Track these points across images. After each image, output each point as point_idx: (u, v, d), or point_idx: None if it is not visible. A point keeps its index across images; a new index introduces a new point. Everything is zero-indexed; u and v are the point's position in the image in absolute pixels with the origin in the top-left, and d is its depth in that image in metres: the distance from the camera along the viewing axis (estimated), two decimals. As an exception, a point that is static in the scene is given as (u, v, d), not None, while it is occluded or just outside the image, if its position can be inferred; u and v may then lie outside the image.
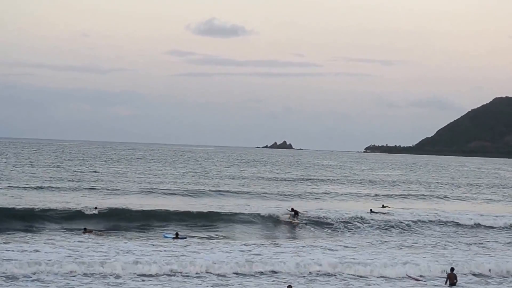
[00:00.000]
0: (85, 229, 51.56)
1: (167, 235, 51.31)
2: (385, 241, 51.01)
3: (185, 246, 44.31)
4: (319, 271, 37.88)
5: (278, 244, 47.40)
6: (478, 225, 62.17)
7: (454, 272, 38.10)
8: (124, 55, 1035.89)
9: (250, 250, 43.97)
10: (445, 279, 37.75)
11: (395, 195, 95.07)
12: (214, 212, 61.28)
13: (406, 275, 39.40)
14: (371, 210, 71.21)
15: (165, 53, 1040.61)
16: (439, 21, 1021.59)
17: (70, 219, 54.49)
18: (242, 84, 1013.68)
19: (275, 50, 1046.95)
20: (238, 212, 62.41)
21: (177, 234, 50.51)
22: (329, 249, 45.17)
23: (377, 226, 58.00)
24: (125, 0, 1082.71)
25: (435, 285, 37.44)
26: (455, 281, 37.46)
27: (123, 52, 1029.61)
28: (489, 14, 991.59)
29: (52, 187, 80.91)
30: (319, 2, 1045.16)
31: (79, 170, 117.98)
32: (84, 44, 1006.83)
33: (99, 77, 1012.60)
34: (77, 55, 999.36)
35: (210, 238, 50.55)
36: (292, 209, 63.06)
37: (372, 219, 61.36)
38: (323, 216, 61.79)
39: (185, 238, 49.79)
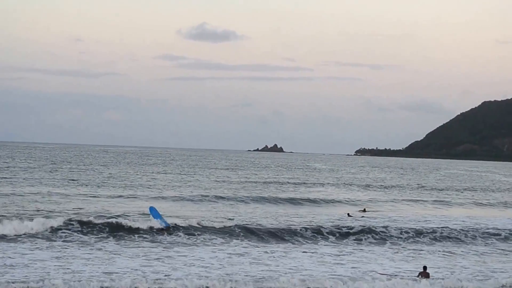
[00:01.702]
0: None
1: (156, 216, 52.71)
2: (359, 248, 50.75)
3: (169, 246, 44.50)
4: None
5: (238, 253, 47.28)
6: (466, 231, 60.78)
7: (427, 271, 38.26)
8: (116, 59, 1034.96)
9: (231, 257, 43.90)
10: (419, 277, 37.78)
11: (381, 199, 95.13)
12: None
13: (376, 273, 39.55)
14: (348, 214, 70.79)
15: (157, 57, 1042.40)
16: (428, 26, 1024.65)
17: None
18: (233, 88, 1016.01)
19: (266, 54, 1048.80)
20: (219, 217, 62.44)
21: (168, 227, 51.82)
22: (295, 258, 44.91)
23: (352, 231, 56.51)
24: (117, 5, 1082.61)
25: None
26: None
27: (115, 57, 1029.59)
28: (477, 19, 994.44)
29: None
30: (309, 7, 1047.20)
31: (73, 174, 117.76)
32: (76, 48, 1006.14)
33: (91, 81, 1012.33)
34: (69, 59, 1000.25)
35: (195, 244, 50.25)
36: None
37: (347, 224, 60.53)
38: (298, 222, 61.87)
39: (169, 225, 51.94)
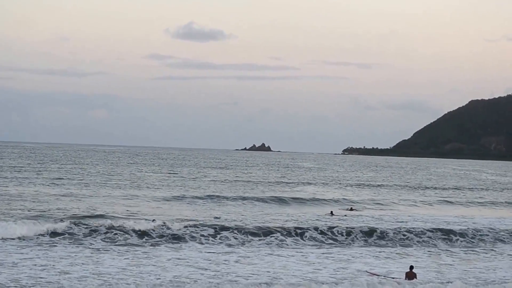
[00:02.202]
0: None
1: None
2: (344, 247, 51.00)
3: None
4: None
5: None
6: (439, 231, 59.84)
7: (414, 270, 38.39)
8: (104, 58, 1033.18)
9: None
10: (404, 277, 37.88)
11: (369, 198, 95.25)
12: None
13: (366, 271, 39.65)
14: (331, 212, 70.58)
15: (144, 56, 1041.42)
16: (415, 24, 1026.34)
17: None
18: (221, 87, 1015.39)
19: (253, 53, 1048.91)
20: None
21: (153, 220, 54.19)
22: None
23: (337, 231, 55.55)
24: (105, 4, 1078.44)
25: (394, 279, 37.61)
26: (414, 279, 37.55)
27: (102, 56, 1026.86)
28: (465, 17, 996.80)
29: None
30: (297, 6, 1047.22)
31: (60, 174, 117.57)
32: (64, 47, 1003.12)
33: (78, 80, 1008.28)
34: (56, 58, 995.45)
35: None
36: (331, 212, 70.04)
37: (332, 223, 60.61)
38: (285, 221, 62.00)
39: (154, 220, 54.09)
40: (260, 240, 51.69)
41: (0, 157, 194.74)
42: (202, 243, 49.11)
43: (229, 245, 48.85)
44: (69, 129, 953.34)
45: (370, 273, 39.39)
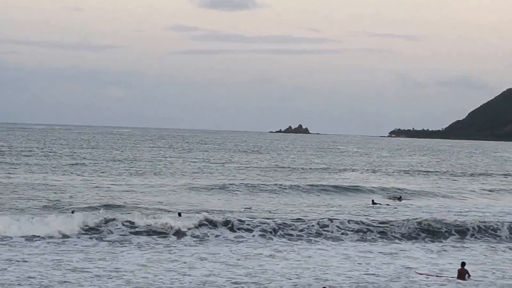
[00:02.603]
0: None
1: None
2: (388, 241, 50.79)
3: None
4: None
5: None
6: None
7: (466, 267, 38.20)
8: (121, 30, 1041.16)
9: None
10: (457, 275, 37.81)
11: (419, 187, 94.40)
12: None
13: (415, 272, 39.38)
14: (373, 201, 70.64)
15: (166, 28, 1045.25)
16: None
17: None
18: (252, 62, 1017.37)
19: (288, 24, 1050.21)
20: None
21: (179, 213, 53.74)
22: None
23: (381, 222, 54.87)
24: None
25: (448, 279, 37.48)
26: (466, 276, 37.51)
27: (119, 28, 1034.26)
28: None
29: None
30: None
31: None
32: (76, 18, 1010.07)
33: (92, 55, 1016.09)
34: (68, 30, 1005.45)
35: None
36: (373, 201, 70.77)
37: (371, 214, 60.49)
38: (323, 212, 61.95)
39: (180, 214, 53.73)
40: (295, 232, 51.50)
41: (7, 140, 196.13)
42: (233, 232, 49.22)
43: (262, 238, 48.96)
44: (81, 109, 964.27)
45: (420, 273, 39.02)
